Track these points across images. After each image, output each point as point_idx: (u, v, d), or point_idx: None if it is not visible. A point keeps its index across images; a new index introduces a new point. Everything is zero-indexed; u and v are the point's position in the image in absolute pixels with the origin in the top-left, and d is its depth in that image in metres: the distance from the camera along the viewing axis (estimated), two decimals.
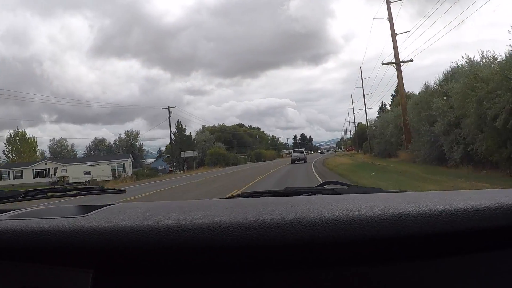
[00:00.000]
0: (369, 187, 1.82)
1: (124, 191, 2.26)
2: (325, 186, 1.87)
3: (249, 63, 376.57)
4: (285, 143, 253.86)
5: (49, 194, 2.04)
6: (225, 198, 1.86)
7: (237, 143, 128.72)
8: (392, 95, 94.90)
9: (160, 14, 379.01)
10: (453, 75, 25.34)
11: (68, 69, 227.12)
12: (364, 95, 75.72)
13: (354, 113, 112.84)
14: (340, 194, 1.67)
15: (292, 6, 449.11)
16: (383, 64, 36.71)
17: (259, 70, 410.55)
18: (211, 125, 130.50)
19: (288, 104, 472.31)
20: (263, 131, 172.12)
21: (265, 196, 1.76)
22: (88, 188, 2.22)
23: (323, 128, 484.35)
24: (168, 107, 66.46)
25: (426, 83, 30.84)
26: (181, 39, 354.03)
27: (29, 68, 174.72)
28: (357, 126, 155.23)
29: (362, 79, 74.16)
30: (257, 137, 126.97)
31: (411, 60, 35.34)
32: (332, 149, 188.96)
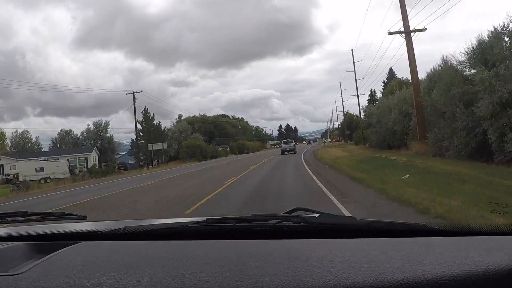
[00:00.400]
0: (341, 215, 1.59)
1: (84, 217, 2.14)
2: (295, 213, 1.77)
3: (234, 54, 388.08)
4: (270, 134, 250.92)
5: (9, 218, 2.02)
6: (190, 224, 1.77)
7: (219, 134, 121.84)
8: (383, 82, 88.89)
9: (143, 4, 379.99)
10: (497, 36, 18.20)
11: (51, 61, 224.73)
12: (356, 80, 68.43)
13: (343, 101, 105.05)
14: (309, 225, 1.60)
15: None
16: (390, 33, 29.32)
17: (244, 61, 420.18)
18: (192, 115, 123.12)
19: (273, 95, 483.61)
20: (247, 122, 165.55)
21: (230, 225, 1.70)
22: (48, 213, 2.18)
23: (307, 119, 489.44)
24: (133, 92, 57.03)
25: (445, 57, 24.03)
26: (165, 29, 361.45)
27: (12, 60, 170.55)
28: (345, 115, 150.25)
29: (354, 62, 66.89)
30: (240, 127, 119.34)
31: (424, 29, 28.07)
32: (318, 140, 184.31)
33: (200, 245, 1.54)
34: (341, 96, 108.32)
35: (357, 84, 68.87)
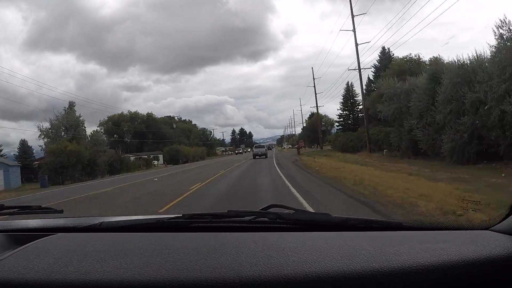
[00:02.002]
0: (316, 211, 1.52)
1: (61, 211, 2.19)
2: (271, 210, 1.76)
3: (188, 59, 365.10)
4: (222, 139, 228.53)
5: None
6: (166, 219, 1.76)
7: (152, 137, 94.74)
8: (374, 66, 66.35)
9: (96, 6, 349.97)
10: None
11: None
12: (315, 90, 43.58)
13: (316, 99, 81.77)
14: (285, 221, 1.62)
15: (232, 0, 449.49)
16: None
17: (198, 66, 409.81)
18: (117, 113, 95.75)
19: (227, 101, 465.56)
20: (194, 125, 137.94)
21: (206, 220, 1.71)
22: (26, 207, 2.16)
23: (262, 125, 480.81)
24: None
25: None
26: (117, 33, 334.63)
27: None
28: (311, 117, 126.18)
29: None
30: (175, 126, 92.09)
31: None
32: (273, 146, 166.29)
33: (176, 237, 1.56)
34: (315, 93, 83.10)
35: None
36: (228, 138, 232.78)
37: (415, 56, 52.67)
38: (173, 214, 1.88)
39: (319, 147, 77.08)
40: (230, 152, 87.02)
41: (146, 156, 72.32)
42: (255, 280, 1.07)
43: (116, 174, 43.82)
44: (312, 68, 66.97)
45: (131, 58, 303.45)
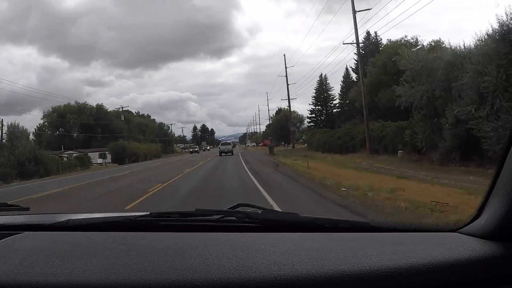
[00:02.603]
0: (284, 212, 1.77)
1: (27, 209, 2.15)
2: (239, 209, 1.75)
3: (151, 54, 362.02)
4: (183, 136, 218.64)
5: None
6: (134, 217, 1.75)
7: (102, 131, 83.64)
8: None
9: None
10: None
11: None
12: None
13: (288, 89, 73.27)
14: (253, 221, 1.62)
15: None
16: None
17: (161, 62, 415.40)
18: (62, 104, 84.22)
19: (190, 98, 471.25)
20: (153, 119, 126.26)
21: (174, 219, 1.71)
22: None
23: (224, 122, 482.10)
24: None
25: None
26: (80, 26, 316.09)
27: None
28: (278, 113, 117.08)
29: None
30: (123, 118, 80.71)
31: None
32: (236, 143, 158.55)
33: (144, 237, 1.55)
34: (287, 86, 74.05)
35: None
36: (189, 135, 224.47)
37: (412, 38, 43.88)
38: (141, 212, 1.83)
39: (290, 145, 67.96)
40: (191, 150, 76.41)
41: (90, 153, 61.13)
42: (222, 283, 1.08)
43: (25, 180, 31.99)
44: (284, 55, 69.72)
45: (94, 52, 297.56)
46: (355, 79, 67.09)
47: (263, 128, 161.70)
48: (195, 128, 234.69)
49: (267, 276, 1.09)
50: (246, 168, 24.57)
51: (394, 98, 26.81)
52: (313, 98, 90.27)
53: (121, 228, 1.68)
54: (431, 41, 40.79)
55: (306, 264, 1.14)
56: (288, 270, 1.11)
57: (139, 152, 69.95)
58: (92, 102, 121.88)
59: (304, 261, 1.16)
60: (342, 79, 75.70)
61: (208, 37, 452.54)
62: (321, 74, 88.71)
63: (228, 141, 68.27)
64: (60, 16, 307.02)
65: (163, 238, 1.52)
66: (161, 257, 1.24)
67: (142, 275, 1.11)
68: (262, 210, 1.72)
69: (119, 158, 61.73)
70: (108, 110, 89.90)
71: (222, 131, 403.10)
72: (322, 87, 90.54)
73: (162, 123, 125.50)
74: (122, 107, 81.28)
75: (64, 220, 1.74)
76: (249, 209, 1.74)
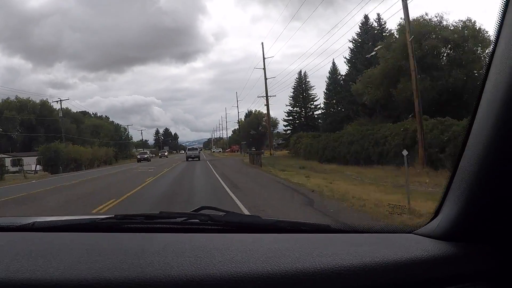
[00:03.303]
0: (246, 214, 1.66)
1: None
2: (202, 211, 1.79)
3: (116, 57, 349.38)
4: (146, 140, 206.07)
5: None
6: (99, 220, 1.80)
7: (46, 131, 71.19)
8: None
9: None
10: None
11: None
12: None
13: (266, 84, 64.25)
14: (215, 223, 1.66)
15: None
16: None
17: (126, 65, 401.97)
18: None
19: (154, 102, 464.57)
20: (112, 122, 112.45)
21: (138, 222, 1.73)
22: None
23: (188, 128, 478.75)
24: None
25: None
26: (44, 26, 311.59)
27: None
28: (248, 116, 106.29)
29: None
30: (61, 115, 66.75)
31: None
32: (200, 149, 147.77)
33: (107, 237, 1.59)
34: (266, 80, 63.39)
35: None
36: (152, 139, 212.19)
37: (436, 16, 33.81)
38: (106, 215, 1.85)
39: (267, 152, 57.32)
40: (139, 156, 63.18)
41: (27, 157, 48.59)
42: (181, 279, 1.11)
43: None
44: (262, 43, 56.92)
45: (58, 53, 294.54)
46: (344, 73, 56.94)
47: (229, 133, 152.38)
48: (157, 132, 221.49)
49: (224, 273, 1.13)
50: (227, 190, 14.98)
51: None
52: (291, 99, 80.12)
53: (86, 230, 1.69)
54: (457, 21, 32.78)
55: (262, 263, 1.17)
56: (245, 268, 1.15)
57: (81, 158, 55.85)
58: (55, 105, 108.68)
59: (260, 259, 1.20)
60: (328, 75, 65.46)
61: (173, 41, 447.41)
62: (300, 71, 78.76)
63: (195, 147, 67.89)
64: (23, 15, 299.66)
65: (126, 238, 1.57)
66: (121, 256, 1.26)
67: (103, 272, 1.14)
68: (225, 213, 1.74)
69: (50, 166, 48.01)
70: (54, 107, 76.94)
71: (186, 136, 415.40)
72: (301, 85, 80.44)
73: (118, 124, 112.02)
74: (60, 100, 66.29)
75: (30, 222, 1.75)
76: (213, 212, 1.77)
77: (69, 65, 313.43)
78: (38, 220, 1.79)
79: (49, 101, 76.31)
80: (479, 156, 1.18)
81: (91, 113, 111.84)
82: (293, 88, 79.99)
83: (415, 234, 1.50)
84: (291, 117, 79.77)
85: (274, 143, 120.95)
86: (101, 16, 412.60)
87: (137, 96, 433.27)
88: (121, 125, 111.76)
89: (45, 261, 1.21)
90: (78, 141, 69.69)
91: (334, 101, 62.39)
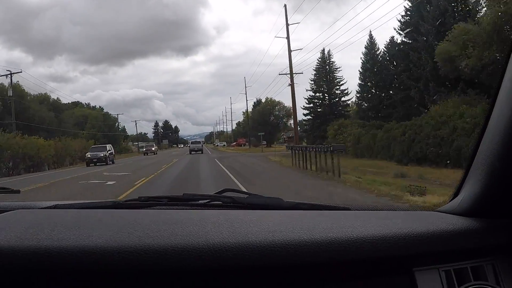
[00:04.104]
0: (268, 197, 1.79)
1: (18, 192, 2.18)
2: (225, 194, 1.80)
3: (116, 51, 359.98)
4: (145, 133, 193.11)
5: None
6: (123, 201, 1.83)
7: (16, 120, 57.79)
8: None
9: None
10: None
11: None
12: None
13: (290, 57, 49.66)
14: (239, 204, 1.68)
15: None
16: None
17: (126, 58, 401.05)
18: None
19: (155, 96, 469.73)
20: (104, 111, 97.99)
21: (162, 203, 1.72)
22: None
23: (189, 121, 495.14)
24: None
25: None
26: (44, 20, 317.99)
27: None
28: (257, 106, 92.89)
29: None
30: (11, 94, 52.06)
31: None
32: (202, 143, 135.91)
33: (140, 212, 1.60)
34: (289, 52, 50.22)
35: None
36: (151, 132, 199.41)
37: None
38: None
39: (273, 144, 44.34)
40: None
41: None
42: (222, 247, 1.13)
43: None
44: (285, 5, 49.19)
45: (58, 47, 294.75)
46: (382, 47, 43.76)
47: (231, 127, 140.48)
48: (156, 124, 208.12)
49: (263, 241, 1.16)
50: None
51: None
52: (312, 82, 67.16)
53: (111, 209, 1.72)
54: None
55: (298, 232, 1.21)
56: (282, 236, 1.18)
57: (42, 154, 39.95)
58: (54, 97, 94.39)
59: (296, 229, 1.24)
60: (364, 50, 52.34)
61: (174, 34, 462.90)
62: (323, 50, 65.64)
63: (197, 140, 68.23)
64: (23, 8, 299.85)
65: (158, 213, 1.59)
66: (161, 225, 1.27)
67: (146, 240, 1.16)
68: (247, 195, 1.78)
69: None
70: (30, 94, 63.52)
71: (187, 130, 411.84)
72: (325, 67, 67.42)
73: (107, 113, 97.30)
74: (11, 73, 50.14)
75: (52, 205, 1.75)
76: (235, 194, 1.78)
77: (69, 58, 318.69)
78: (60, 203, 1.77)
79: (21, 84, 62.61)
80: (500, 133, 1.22)
81: (84, 104, 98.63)
82: (314, 70, 66.94)
83: (437, 211, 1.54)
84: (312, 104, 66.53)
85: (284, 136, 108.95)
86: (101, 9, 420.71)
87: (138, 89, 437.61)
88: (111, 113, 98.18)
89: (87, 231, 1.23)
90: (57, 133, 56.59)
91: (373, 82, 49.83)
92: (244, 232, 1.22)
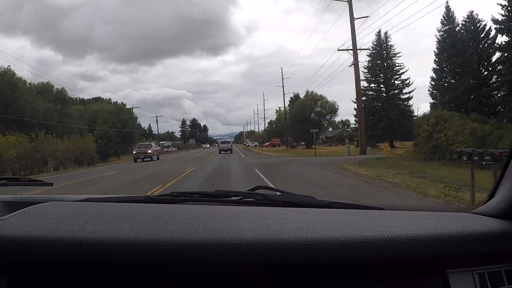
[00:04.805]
0: (301, 194, 1.76)
1: (51, 184, 2.19)
2: (257, 191, 1.81)
3: (146, 50, 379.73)
4: (172, 132, 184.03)
5: None
6: (155, 196, 1.82)
7: (12, 112, 47.51)
8: None
9: None
10: None
11: None
12: None
13: (355, 34, 38.88)
14: (272, 202, 1.66)
15: None
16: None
17: (156, 57, 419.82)
18: None
19: (185, 95, 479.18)
20: (123, 106, 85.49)
21: (195, 199, 1.73)
22: (15, 178, 2.21)
23: (219, 121, 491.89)
24: None
25: None
26: (74, 18, 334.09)
27: None
28: (294, 101, 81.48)
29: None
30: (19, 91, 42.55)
31: None
32: (232, 142, 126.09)
33: (173, 207, 1.60)
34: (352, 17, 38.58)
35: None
36: (177, 130, 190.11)
37: None
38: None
39: (386, 149, 32.48)
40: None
41: None
42: (255, 242, 1.14)
43: None
44: None
45: (88, 45, 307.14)
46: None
47: (262, 127, 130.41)
48: (183, 123, 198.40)
49: (296, 238, 1.16)
50: None
51: None
52: (365, 71, 55.37)
53: (144, 203, 1.71)
54: None
55: (332, 230, 1.21)
56: (315, 234, 1.18)
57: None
58: (86, 97, 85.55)
59: (329, 227, 1.23)
60: (439, 26, 40.35)
61: (204, 33, 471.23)
62: (379, 31, 53.85)
63: (227, 140, 68.54)
64: (54, 7, 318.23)
65: (191, 208, 1.57)
66: (194, 220, 1.28)
67: (178, 234, 1.16)
68: (280, 193, 1.78)
69: None
70: (28, 83, 53.21)
71: (217, 129, 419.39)
72: (381, 52, 55.57)
73: (123, 104, 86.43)
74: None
75: (84, 198, 1.78)
76: (268, 192, 1.78)
77: (99, 57, 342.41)
78: (92, 197, 1.79)
79: (12, 70, 51.81)
80: None
81: (105, 99, 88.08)
82: (368, 56, 55.24)
83: (472, 213, 1.52)
84: (365, 98, 54.69)
85: (322, 136, 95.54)
86: (131, 8, 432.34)
87: (167, 89, 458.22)
88: (125, 104, 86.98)
89: (119, 224, 1.24)
90: (58, 129, 46.38)
91: (453, 66, 38.10)
92: (277, 228, 1.22)
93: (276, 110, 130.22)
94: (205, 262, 1.10)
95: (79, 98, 77.46)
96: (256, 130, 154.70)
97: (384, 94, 54.10)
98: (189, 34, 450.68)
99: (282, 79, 73.04)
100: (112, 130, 64.50)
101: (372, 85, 54.95)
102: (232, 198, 1.73)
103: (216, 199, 1.72)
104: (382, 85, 54.25)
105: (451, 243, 1.21)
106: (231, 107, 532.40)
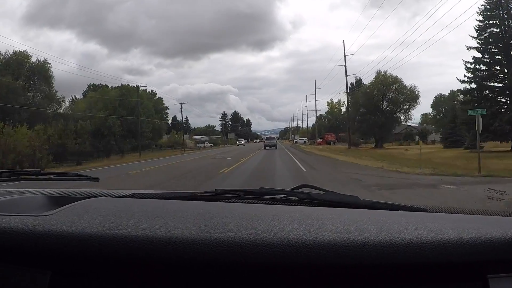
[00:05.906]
0: (345, 194, 1.77)
1: (97, 179, 2.25)
2: (301, 190, 1.83)
3: (191, 44, 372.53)
4: (213, 126, 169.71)
5: (22, 176, 2.16)
6: (199, 193, 1.82)
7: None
8: None
9: None
10: None
11: None
12: None
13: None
14: (315, 201, 1.68)
15: None
16: None
17: (202, 52, 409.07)
18: None
19: (230, 90, 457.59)
20: (159, 98, 72.01)
21: (238, 196, 1.75)
22: (62, 173, 2.25)
23: (264, 117, 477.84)
24: None
25: None
26: (120, 12, 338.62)
27: None
28: (356, 86, 63.50)
29: None
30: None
31: None
32: (277, 139, 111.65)
33: (216, 205, 1.61)
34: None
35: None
36: (218, 124, 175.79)
37: None
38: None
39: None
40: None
41: None
42: (296, 243, 1.14)
43: None
44: None
45: (133, 40, 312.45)
46: None
47: (310, 123, 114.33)
48: (224, 115, 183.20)
49: (337, 239, 1.15)
50: None
51: None
52: (473, 37, 37.30)
53: (188, 200, 1.73)
54: None
55: (373, 232, 1.20)
56: (357, 236, 1.17)
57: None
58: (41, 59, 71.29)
59: (371, 229, 1.22)
60: None
61: (249, 28, 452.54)
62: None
63: (272, 136, 72.44)
64: (99, 1, 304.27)
65: (234, 206, 1.58)
66: (236, 220, 1.28)
67: (220, 233, 1.18)
68: (324, 192, 1.76)
69: None
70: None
71: (262, 125, 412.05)
72: (498, 12, 37.60)
73: (160, 99, 74.40)
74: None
75: (129, 194, 1.81)
76: (312, 191, 1.77)
77: (144, 51, 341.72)
78: (137, 192, 1.82)
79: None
80: None
81: (146, 89, 72.73)
82: (479, 13, 37.26)
83: None
84: (473, 75, 36.88)
85: (396, 131, 75.51)
86: (176, 2, 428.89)
87: (213, 84, 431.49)
88: (161, 98, 73.23)
89: (163, 221, 1.26)
90: (22, 115, 31.14)
91: None
92: (319, 229, 1.22)
93: (327, 102, 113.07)
94: (246, 262, 1.11)
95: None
96: (303, 125, 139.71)
97: (505, 68, 36.23)
98: (235, 29, 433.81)
99: (345, 55, 54.89)
100: (112, 117, 49.04)
101: (486, 57, 37.21)
102: (276, 196, 1.72)
103: (260, 197, 1.73)
104: (503, 57, 36.36)
105: (492, 248, 1.18)
106: (276, 103, 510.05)
